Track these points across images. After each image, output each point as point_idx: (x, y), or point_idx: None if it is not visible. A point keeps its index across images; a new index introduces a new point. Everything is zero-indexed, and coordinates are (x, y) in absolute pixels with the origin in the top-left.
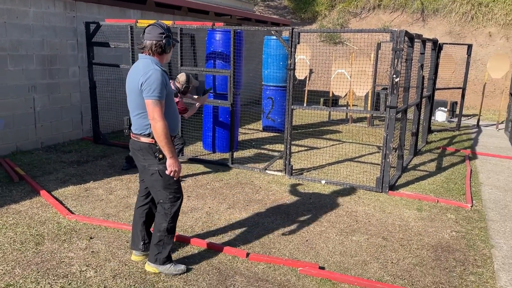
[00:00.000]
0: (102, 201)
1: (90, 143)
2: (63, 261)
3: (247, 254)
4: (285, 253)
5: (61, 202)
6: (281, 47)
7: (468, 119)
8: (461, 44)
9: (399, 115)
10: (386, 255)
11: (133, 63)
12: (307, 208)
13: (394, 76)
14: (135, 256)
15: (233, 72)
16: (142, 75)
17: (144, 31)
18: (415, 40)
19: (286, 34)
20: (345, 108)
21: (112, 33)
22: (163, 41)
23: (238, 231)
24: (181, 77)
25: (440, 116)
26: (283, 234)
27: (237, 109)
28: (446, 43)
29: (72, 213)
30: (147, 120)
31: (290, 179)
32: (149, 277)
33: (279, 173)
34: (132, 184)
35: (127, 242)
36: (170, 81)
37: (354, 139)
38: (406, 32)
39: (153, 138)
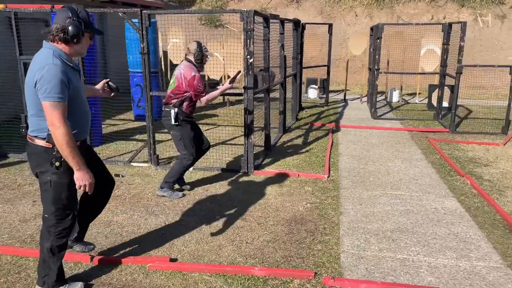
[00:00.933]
0: None
1: None
2: None
3: (91, 258)
4: (137, 250)
5: None
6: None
7: (338, 94)
8: (322, 23)
9: (262, 95)
10: (242, 236)
11: None
12: (169, 199)
13: (248, 57)
14: None
15: (81, 59)
16: (38, 69)
17: None
18: (271, 20)
19: (154, 17)
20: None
21: None
22: (68, 27)
23: (87, 234)
24: (192, 45)
25: (312, 93)
26: (138, 230)
27: (96, 98)
28: (309, 23)
29: None
30: (46, 122)
31: (157, 170)
32: None
33: (145, 165)
34: None
35: None
36: (184, 63)
37: (229, 122)
38: (256, 12)
39: (49, 142)
